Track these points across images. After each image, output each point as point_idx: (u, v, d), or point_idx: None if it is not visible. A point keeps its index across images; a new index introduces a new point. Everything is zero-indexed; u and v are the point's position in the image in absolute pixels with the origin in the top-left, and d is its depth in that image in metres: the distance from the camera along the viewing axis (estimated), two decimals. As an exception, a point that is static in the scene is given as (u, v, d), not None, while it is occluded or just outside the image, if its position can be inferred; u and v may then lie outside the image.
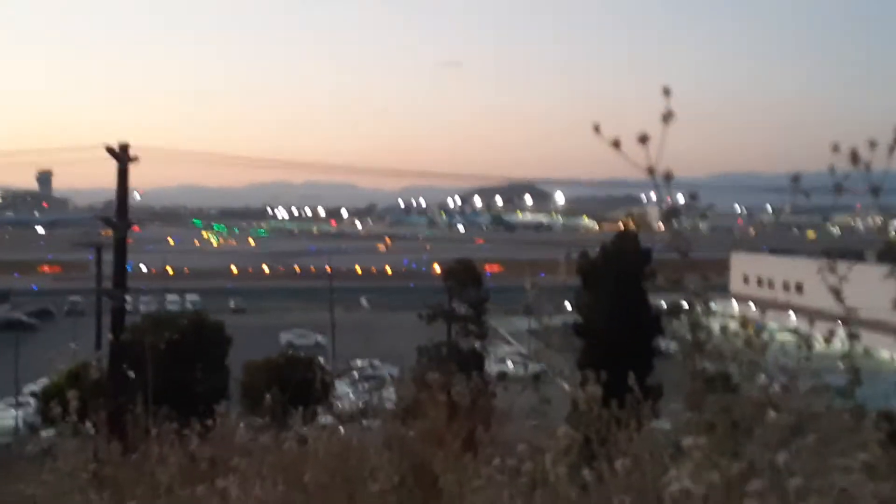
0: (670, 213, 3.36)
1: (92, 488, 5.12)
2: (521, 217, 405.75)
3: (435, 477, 4.87)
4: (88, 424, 7.77)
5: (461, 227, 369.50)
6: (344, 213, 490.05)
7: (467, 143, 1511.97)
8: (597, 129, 3.19)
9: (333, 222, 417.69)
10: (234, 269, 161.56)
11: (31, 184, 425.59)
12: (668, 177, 3.17)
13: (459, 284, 60.63)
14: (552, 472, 3.77)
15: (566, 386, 5.39)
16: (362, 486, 4.90)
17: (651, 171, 3.13)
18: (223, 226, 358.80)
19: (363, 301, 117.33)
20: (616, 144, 3.22)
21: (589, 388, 4.88)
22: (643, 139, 3.13)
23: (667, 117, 3.14)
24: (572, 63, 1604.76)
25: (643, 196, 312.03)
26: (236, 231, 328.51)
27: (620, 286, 42.42)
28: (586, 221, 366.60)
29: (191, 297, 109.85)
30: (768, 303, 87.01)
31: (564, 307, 51.95)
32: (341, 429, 9.85)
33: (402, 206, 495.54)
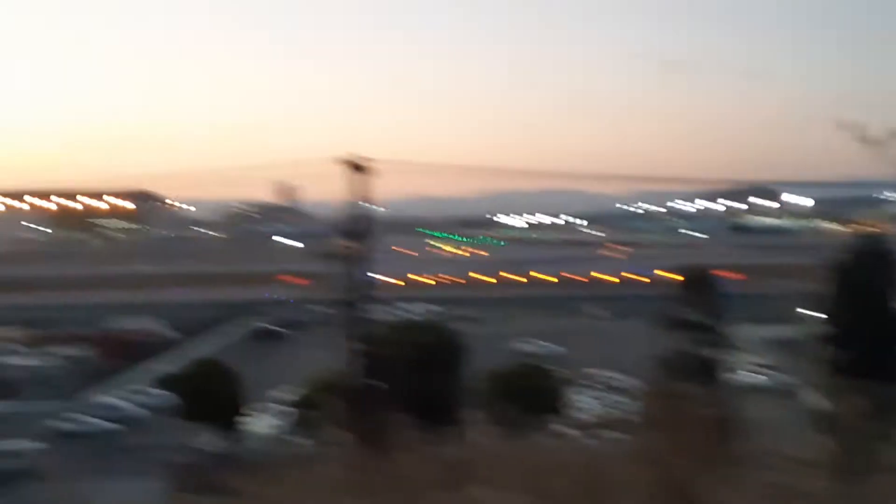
0: None
1: (348, 493, 5.36)
2: (758, 220, 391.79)
3: (689, 490, 4.78)
4: (340, 431, 8.11)
5: (694, 232, 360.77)
6: (575, 219, 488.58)
7: (700, 145, 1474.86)
8: (842, 126, 3.07)
9: (566, 230, 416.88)
10: (467, 277, 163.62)
11: (280, 198, 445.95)
12: None
13: (694, 291, 59.14)
14: (811, 485, 3.64)
15: (816, 397, 5.20)
16: (611, 499, 4.89)
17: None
18: (456, 235, 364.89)
19: (596, 309, 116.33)
20: (867, 141, 3.09)
21: (850, 400, 4.70)
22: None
23: None
24: (812, 55, 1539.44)
25: (886, 195, 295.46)
26: (470, 240, 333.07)
27: (875, 291, 40.36)
28: (827, 224, 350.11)
29: (426, 307, 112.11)
30: None
31: (806, 315, 49.91)
32: (582, 438, 9.84)
33: (634, 211, 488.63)
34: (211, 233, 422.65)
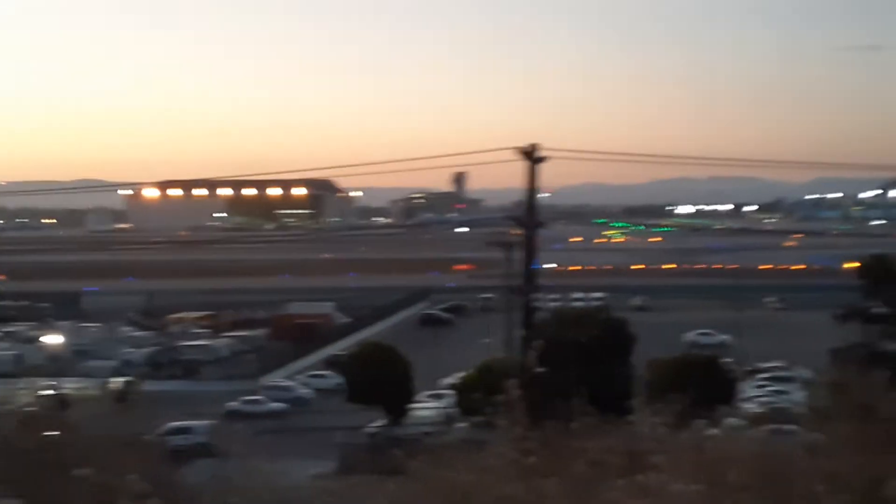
0: None
1: (518, 477, 5.37)
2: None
3: (881, 486, 4.58)
4: (509, 416, 8.15)
5: (879, 221, 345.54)
6: (749, 207, 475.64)
7: (885, 132, 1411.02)
8: None
9: (738, 218, 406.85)
10: (636, 266, 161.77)
11: (448, 186, 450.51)
12: None
13: (876, 282, 56.75)
14: None
15: None
16: (788, 488, 4.75)
17: None
18: (626, 223, 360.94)
19: (770, 300, 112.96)
20: None
21: None
22: None
23: None
24: None
25: None
26: (639, 228, 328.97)
27: None
28: None
29: (595, 295, 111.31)
30: None
31: None
32: (753, 430, 9.60)
33: (812, 199, 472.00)
34: (385, 220, 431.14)
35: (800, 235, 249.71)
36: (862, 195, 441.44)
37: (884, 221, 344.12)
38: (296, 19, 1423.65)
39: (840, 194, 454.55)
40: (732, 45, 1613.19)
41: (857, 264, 62.97)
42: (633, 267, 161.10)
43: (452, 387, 59.10)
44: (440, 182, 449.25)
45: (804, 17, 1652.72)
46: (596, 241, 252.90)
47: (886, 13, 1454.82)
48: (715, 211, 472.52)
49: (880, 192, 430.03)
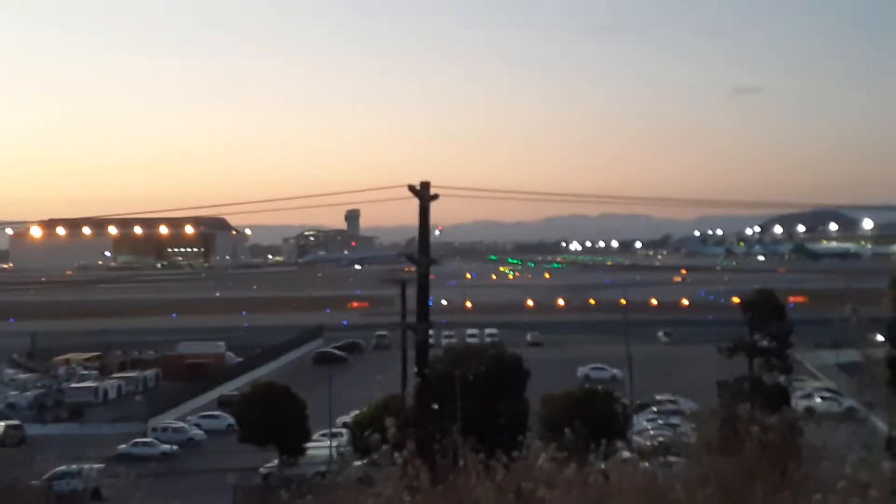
0: None
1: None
2: (826, 245, 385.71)
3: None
4: (399, 454, 8.10)
5: (761, 257, 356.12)
6: (638, 244, 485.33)
7: (766, 171, 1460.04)
8: None
9: (627, 254, 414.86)
10: (530, 302, 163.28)
11: (341, 223, 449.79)
12: None
13: (761, 316, 58.28)
14: None
15: (881, 422, 5.08)
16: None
17: None
18: (519, 260, 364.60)
19: (660, 334, 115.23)
20: None
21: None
22: None
23: None
24: (881, 78, 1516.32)
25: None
26: (532, 265, 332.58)
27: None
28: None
29: (489, 331, 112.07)
30: None
31: (877, 340, 48.84)
32: (644, 464, 9.70)
33: (699, 236, 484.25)
34: (277, 258, 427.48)
35: (686, 271, 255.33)
36: (745, 232, 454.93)
37: (765, 257, 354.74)
38: (187, 52, 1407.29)
39: (722, 232, 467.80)
40: (624, 88, 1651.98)
41: (740, 299, 64.72)
42: (526, 303, 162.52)
43: (347, 425, 58.68)
44: (333, 220, 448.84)
45: (691, 59, 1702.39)
46: (490, 277, 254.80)
47: (767, 57, 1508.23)
48: (606, 247, 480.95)
49: (760, 229, 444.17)
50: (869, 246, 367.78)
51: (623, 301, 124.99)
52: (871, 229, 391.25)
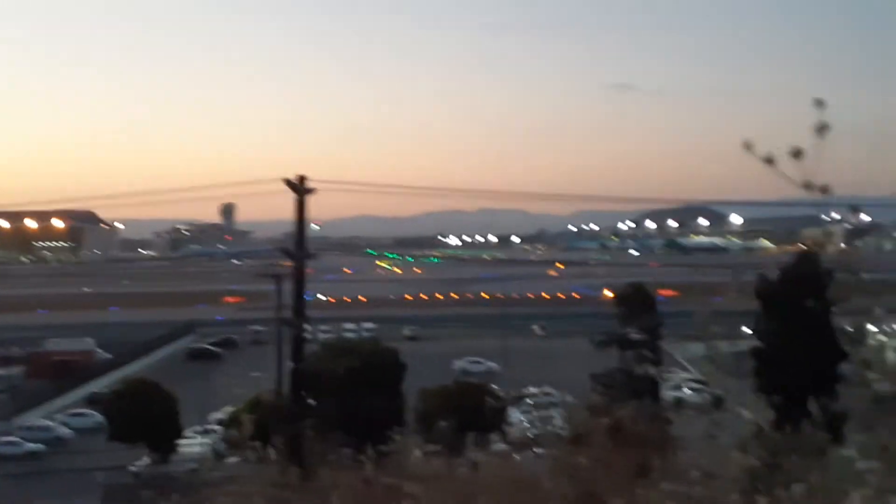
0: (854, 233, 3.27)
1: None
2: (696, 240, 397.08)
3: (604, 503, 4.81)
4: (270, 450, 8.04)
5: (633, 252, 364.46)
6: (515, 239, 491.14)
7: (638, 167, 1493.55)
8: (748, 147, 3.13)
9: (505, 248, 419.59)
10: (407, 296, 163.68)
11: (216, 217, 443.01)
12: (825, 191, 3.09)
13: (632, 310, 59.62)
14: (725, 498, 3.66)
15: (744, 412, 5.28)
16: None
17: (807, 186, 3.06)
18: (397, 254, 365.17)
19: (535, 327, 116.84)
20: (769, 161, 3.15)
21: (764, 414, 4.76)
22: (796, 154, 3.06)
23: (821, 130, 3.06)
24: (739, 80, 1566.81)
25: (823, 216, 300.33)
26: (410, 259, 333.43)
27: (801, 309, 40.85)
28: (764, 243, 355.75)
29: (366, 325, 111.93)
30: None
31: (743, 332, 50.49)
32: (515, 455, 9.84)
33: (573, 231, 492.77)
34: (150, 252, 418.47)
35: (561, 265, 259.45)
36: (618, 227, 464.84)
37: (637, 251, 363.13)
38: (59, 41, 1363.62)
39: (597, 227, 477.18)
40: (502, 83, 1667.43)
41: (614, 292, 66.08)
42: (404, 297, 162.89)
43: (221, 422, 57.94)
44: (208, 214, 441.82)
45: (564, 56, 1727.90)
46: (368, 272, 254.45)
47: (639, 54, 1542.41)
48: (483, 242, 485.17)
49: (634, 223, 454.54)
50: (736, 240, 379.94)
51: (499, 295, 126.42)
52: (740, 224, 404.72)
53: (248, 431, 9.73)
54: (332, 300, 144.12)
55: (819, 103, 3.06)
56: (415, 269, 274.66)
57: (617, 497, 4.91)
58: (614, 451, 5.90)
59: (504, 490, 5.67)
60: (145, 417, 55.46)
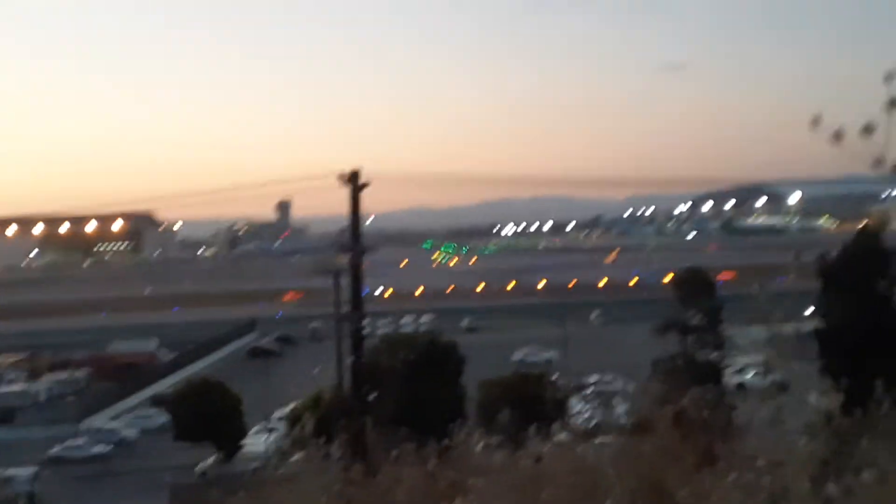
0: None
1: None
2: (754, 221, 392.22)
3: (670, 493, 4.77)
4: (332, 447, 8.07)
5: (691, 235, 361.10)
6: (569, 226, 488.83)
7: (694, 148, 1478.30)
8: (816, 121, 3.06)
9: (559, 236, 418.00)
10: (465, 287, 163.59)
11: (271, 214, 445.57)
12: None
13: (691, 294, 59.08)
14: (793, 486, 3.59)
15: (810, 397, 5.20)
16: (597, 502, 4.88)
17: (878, 163, 2.98)
18: (453, 245, 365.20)
19: (593, 315, 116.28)
20: (838, 137, 3.08)
21: (832, 398, 4.66)
22: (868, 129, 2.99)
23: (893, 105, 2.98)
24: (797, 53, 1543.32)
25: (885, 193, 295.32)
26: (465, 250, 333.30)
27: (864, 288, 40.16)
28: (825, 222, 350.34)
29: (425, 318, 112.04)
30: None
31: (802, 313, 49.73)
32: (577, 446, 9.78)
33: (629, 216, 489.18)
34: (209, 252, 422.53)
35: (618, 252, 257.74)
36: (675, 210, 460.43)
37: (694, 235, 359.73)
38: (107, 49, 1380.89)
39: (653, 210, 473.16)
40: (546, 68, 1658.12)
41: (672, 277, 65.48)
42: (462, 288, 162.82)
43: (283, 419, 58.33)
44: (264, 211, 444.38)
45: (616, 36, 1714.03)
46: (425, 263, 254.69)
47: (691, 33, 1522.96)
48: (537, 230, 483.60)
49: (690, 206, 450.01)
50: (795, 220, 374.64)
51: (556, 283, 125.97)
52: (797, 203, 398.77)
53: (309, 429, 9.78)
54: (390, 294, 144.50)
55: (890, 77, 2.98)
56: (471, 259, 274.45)
57: (682, 487, 4.86)
58: (678, 440, 5.85)
59: (567, 481, 5.64)
60: (209, 417, 56.02)
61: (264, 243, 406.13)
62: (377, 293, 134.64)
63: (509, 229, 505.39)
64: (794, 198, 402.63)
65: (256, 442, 58.60)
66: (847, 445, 4.60)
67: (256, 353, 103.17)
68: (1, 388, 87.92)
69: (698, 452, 5.28)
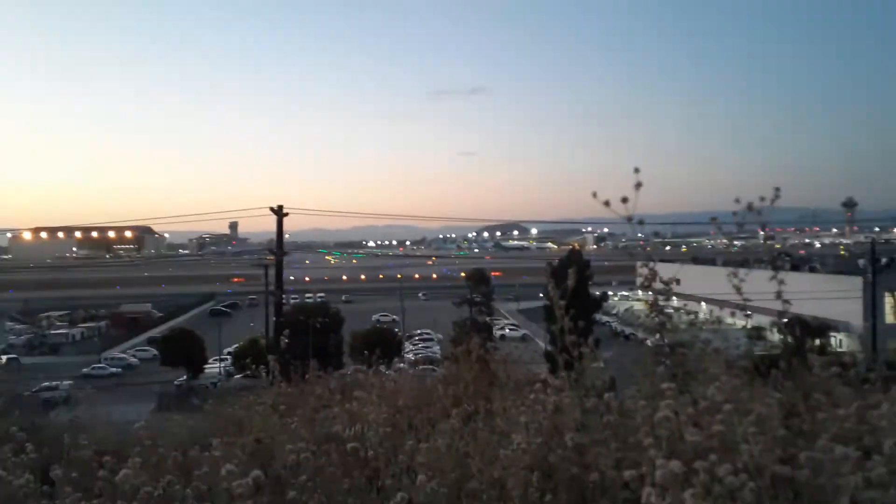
0: (599, 239, 3.32)
1: (275, 410, 5.19)
2: (512, 243, 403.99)
3: (478, 401, 4.88)
4: (266, 372, 7.87)
5: (476, 250, 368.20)
6: (408, 242, 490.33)
7: (472, 202, 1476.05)
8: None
9: (401, 249, 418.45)
10: (344, 277, 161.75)
11: (225, 229, 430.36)
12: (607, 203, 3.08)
13: (476, 283, 60.40)
14: (560, 400, 3.58)
15: (541, 343, 5.38)
16: (433, 407, 4.94)
17: (629, 218, 3.04)
18: (338, 252, 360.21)
19: (420, 294, 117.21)
20: (607, 204, 3.10)
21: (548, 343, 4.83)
22: (624, 200, 3.05)
23: (638, 186, 3.02)
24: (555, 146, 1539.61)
25: (587, 228, 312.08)
26: (345, 255, 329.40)
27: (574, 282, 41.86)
28: (550, 245, 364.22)
29: (319, 295, 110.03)
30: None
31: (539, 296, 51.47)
32: (412, 372, 9.87)
33: (442, 237, 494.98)
34: (184, 252, 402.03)
35: (434, 258, 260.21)
36: (468, 235, 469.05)
37: (478, 250, 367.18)
38: (101, 81, 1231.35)
39: (455, 235, 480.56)
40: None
41: (465, 274, 66.79)
42: (343, 278, 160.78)
43: (230, 353, 56.42)
44: (222, 227, 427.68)
45: (427, 128, 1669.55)
46: (321, 263, 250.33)
47: (481, 128, 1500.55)
48: (389, 244, 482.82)
49: (476, 234, 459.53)
50: (535, 243, 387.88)
51: (399, 275, 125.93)
52: (536, 233, 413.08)
53: (254, 360, 9.46)
54: (299, 280, 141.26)
55: (637, 170, 3.02)
56: (348, 261, 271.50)
57: (482, 397, 5.00)
58: (474, 368, 5.96)
59: (412, 393, 5.69)
60: (184, 351, 53.61)
61: (221, 247, 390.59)
62: (291, 279, 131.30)
63: (373, 243, 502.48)
64: (534, 230, 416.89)
65: (213, 367, 56.66)
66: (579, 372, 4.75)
67: (215, 313, 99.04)
68: (52, 331, 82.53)
69: (488, 377, 5.42)
